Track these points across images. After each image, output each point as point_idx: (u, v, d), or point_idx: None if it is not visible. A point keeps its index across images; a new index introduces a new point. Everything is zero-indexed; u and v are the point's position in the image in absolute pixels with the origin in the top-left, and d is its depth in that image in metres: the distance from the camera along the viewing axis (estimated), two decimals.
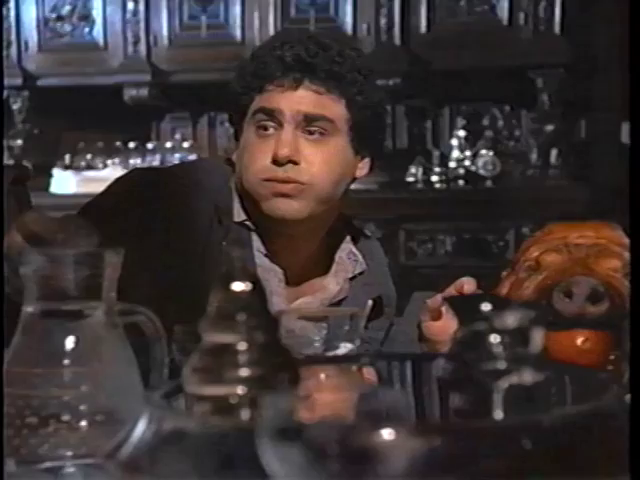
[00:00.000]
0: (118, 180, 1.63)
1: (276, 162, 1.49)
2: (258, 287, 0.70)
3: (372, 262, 1.64)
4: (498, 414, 0.65)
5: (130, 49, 3.85)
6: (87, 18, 3.91)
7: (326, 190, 1.52)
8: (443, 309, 1.38)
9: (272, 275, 1.54)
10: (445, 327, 1.37)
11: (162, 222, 1.49)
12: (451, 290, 1.43)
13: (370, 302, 1.53)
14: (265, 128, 1.51)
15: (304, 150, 1.49)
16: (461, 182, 3.70)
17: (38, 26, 3.93)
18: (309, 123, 1.50)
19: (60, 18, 3.92)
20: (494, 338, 0.66)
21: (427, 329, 1.41)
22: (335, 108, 1.50)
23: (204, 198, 1.53)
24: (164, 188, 1.53)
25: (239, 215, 1.55)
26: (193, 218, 1.52)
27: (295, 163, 1.49)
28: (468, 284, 1.39)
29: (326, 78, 1.49)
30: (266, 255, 1.55)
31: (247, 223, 1.55)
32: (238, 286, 0.69)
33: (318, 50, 1.50)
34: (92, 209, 1.55)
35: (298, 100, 1.49)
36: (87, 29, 3.93)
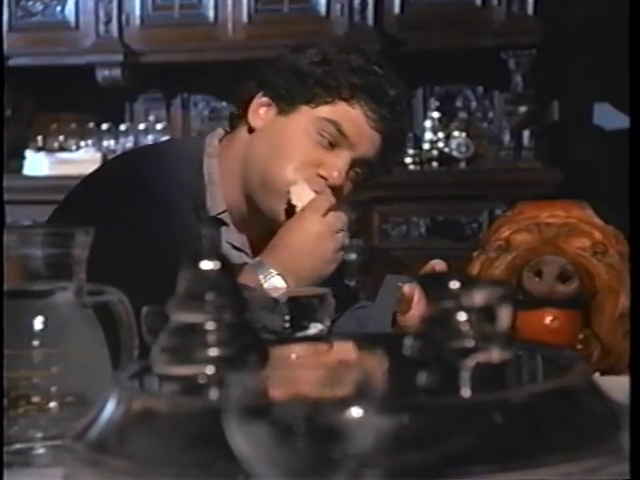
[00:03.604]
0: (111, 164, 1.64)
1: (324, 179, 1.50)
2: (227, 266, 0.70)
3: None
4: (466, 392, 0.65)
5: (102, 29, 3.81)
6: None
7: None
8: (415, 298, 1.38)
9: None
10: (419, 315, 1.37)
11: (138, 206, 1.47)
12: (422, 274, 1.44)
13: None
14: (329, 142, 1.50)
15: (344, 182, 1.53)
16: (434, 164, 3.70)
17: (9, 4, 3.89)
18: (359, 165, 1.53)
19: None
20: (462, 316, 0.67)
21: (402, 319, 1.42)
22: (378, 159, 1.55)
23: (180, 189, 1.52)
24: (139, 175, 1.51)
25: (218, 207, 1.53)
26: (169, 206, 1.50)
27: (334, 191, 1.51)
28: (439, 267, 1.40)
29: (397, 134, 1.55)
30: (236, 248, 1.55)
31: (222, 217, 1.54)
32: (207, 265, 0.69)
33: (407, 103, 1.58)
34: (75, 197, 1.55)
35: (372, 143, 1.52)
36: (59, 8, 3.89)
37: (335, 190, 1.50)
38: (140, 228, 1.45)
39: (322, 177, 1.50)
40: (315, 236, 1.44)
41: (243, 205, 1.55)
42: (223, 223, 1.54)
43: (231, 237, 1.54)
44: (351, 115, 1.50)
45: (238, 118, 1.58)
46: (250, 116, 1.54)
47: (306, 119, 1.51)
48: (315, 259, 1.44)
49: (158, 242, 1.45)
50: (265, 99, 1.54)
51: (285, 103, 1.52)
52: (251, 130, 1.55)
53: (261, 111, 1.54)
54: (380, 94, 1.51)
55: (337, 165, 1.50)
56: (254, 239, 1.56)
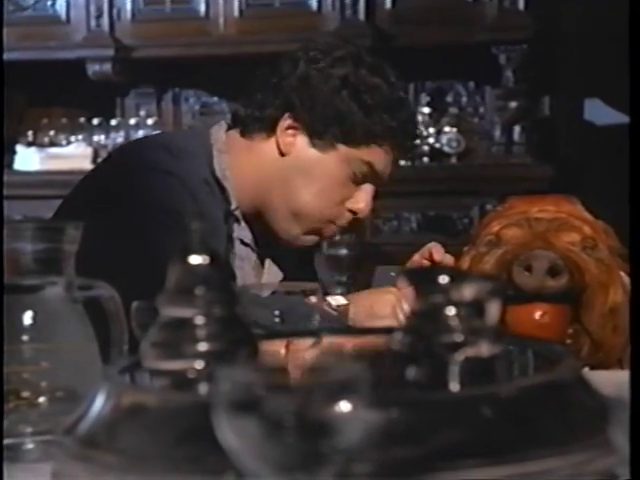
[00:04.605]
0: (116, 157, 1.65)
1: (353, 212, 1.56)
2: (217, 261, 0.70)
3: None
4: (455, 386, 0.66)
5: (93, 23, 3.80)
6: None
7: None
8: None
9: (246, 263, 1.55)
10: None
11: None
12: (418, 258, 1.46)
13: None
14: (357, 177, 1.55)
15: None
16: (425, 159, 3.70)
17: None
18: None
19: None
20: (451, 311, 0.67)
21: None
22: None
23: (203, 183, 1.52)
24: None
25: (234, 201, 1.55)
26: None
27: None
28: (436, 250, 1.42)
29: (409, 152, 1.63)
30: (244, 243, 1.56)
31: (236, 213, 1.55)
32: (196, 259, 0.69)
33: (414, 121, 1.65)
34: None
35: (389, 166, 1.59)
36: (49, 2, 3.87)
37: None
38: (171, 218, 1.44)
39: (351, 211, 1.56)
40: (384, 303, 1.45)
41: (251, 208, 1.57)
42: (236, 219, 1.56)
43: (242, 233, 1.57)
44: (383, 155, 1.56)
45: (260, 130, 1.57)
46: (280, 140, 1.55)
47: (342, 157, 1.54)
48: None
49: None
50: (293, 122, 1.54)
51: (321, 139, 1.54)
52: (281, 153, 1.56)
53: (290, 136, 1.55)
54: (407, 127, 1.58)
55: (365, 199, 1.56)
56: (258, 236, 1.59)
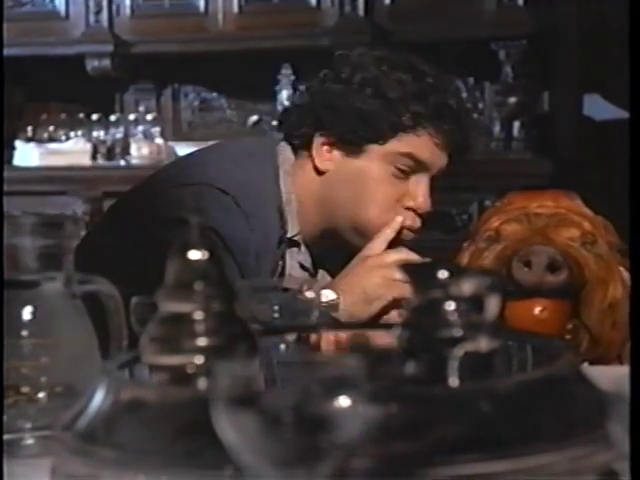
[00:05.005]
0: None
1: (412, 209, 1.52)
2: (216, 256, 0.70)
3: None
4: (454, 381, 0.66)
5: (92, 18, 3.80)
6: None
7: None
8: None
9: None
10: None
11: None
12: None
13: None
14: (404, 172, 1.52)
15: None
16: None
17: None
18: (438, 174, 1.55)
19: None
20: (450, 305, 0.67)
21: None
22: None
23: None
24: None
25: (292, 229, 1.54)
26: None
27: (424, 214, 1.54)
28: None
29: (458, 136, 1.54)
30: (303, 267, 1.56)
31: (296, 238, 1.55)
32: (195, 255, 0.69)
33: (459, 103, 1.56)
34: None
35: (443, 156, 1.54)
36: None
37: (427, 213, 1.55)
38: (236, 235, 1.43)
39: (410, 208, 1.53)
40: (374, 285, 1.44)
41: (316, 232, 1.56)
42: (296, 244, 1.55)
43: (301, 257, 1.56)
44: (421, 142, 1.52)
45: (299, 148, 1.57)
46: (317, 160, 1.54)
47: (378, 157, 1.52)
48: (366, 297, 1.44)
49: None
50: (326, 139, 1.53)
51: (352, 145, 1.52)
52: (319, 172, 1.55)
53: (326, 153, 1.54)
54: (440, 111, 1.52)
55: (421, 192, 1.53)
56: (316, 256, 1.58)
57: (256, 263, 1.46)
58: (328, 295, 1.35)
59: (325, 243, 1.57)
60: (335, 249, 1.58)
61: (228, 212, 1.45)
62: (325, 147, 1.54)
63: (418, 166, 1.52)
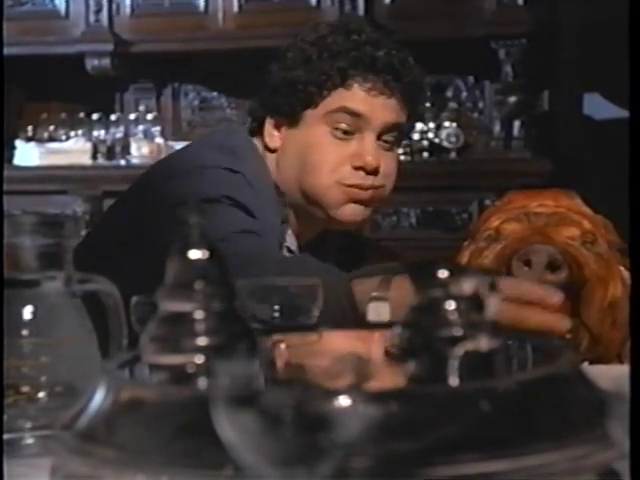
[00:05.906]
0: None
1: (361, 169, 1.51)
2: (216, 255, 0.70)
3: None
4: (454, 380, 0.66)
5: (92, 18, 3.80)
6: None
7: (386, 197, 1.57)
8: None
9: None
10: None
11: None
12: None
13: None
14: (345, 131, 1.51)
15: (380, 159, 1.52)
16: (425, 154, 3.70)
17: None
18: (386, 133, 1.53)
19: None
20: (450, 305, 0.67)
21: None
22: (403, 119, 1.54)
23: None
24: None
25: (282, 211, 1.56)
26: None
27: (376, 172, 1.51)
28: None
29: (408, 89, 1.52)
30: (290, 251, 1.57)
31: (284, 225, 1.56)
32: (195, 254, 0.69)
33: (404, 56, 1.53)
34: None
35: (387, 109, 1.51)
36: None
37: (376, 169, 1.51)
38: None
39: (359, 168, 1.51)
40: None
41: (291, 212, 1.58)
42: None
43: (289, 240, 1.57)
44: (351, 94, 1.50)
45: (256, 135, 1.60)
46: (267, 140, 1.57)
47: (315, 121, 1.52)
48: None
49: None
50: (274, 120, 1.56)
51: (289, 116, 1.54)
52: (271, 150, 1.57)
53: (275, 132, 1.56)
54: (369, 62, 1.50)
55: (366, 149, 1.51)
56: (300, 240, 1.60)
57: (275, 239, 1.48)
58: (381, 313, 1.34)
59: (302, 226, 1.59)
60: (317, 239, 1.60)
61: (243, 187, 1.48)
62: (275, 130, 1.56)
63: (358, 122, 1.51)
